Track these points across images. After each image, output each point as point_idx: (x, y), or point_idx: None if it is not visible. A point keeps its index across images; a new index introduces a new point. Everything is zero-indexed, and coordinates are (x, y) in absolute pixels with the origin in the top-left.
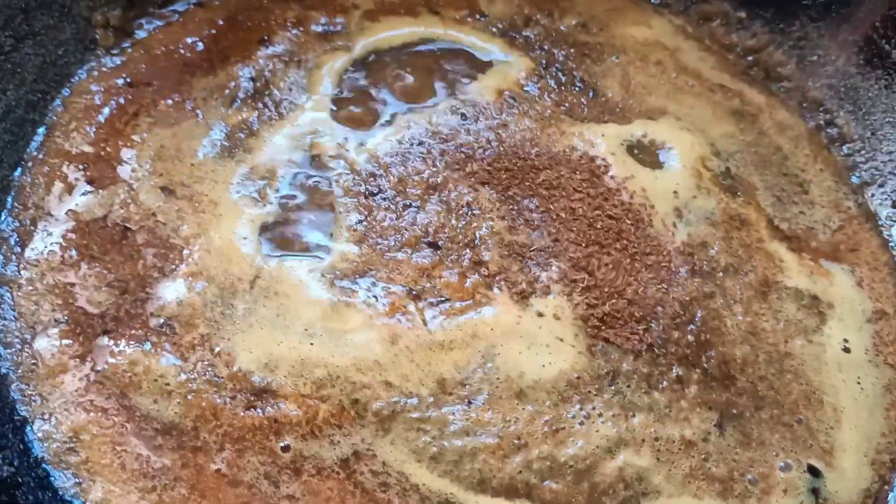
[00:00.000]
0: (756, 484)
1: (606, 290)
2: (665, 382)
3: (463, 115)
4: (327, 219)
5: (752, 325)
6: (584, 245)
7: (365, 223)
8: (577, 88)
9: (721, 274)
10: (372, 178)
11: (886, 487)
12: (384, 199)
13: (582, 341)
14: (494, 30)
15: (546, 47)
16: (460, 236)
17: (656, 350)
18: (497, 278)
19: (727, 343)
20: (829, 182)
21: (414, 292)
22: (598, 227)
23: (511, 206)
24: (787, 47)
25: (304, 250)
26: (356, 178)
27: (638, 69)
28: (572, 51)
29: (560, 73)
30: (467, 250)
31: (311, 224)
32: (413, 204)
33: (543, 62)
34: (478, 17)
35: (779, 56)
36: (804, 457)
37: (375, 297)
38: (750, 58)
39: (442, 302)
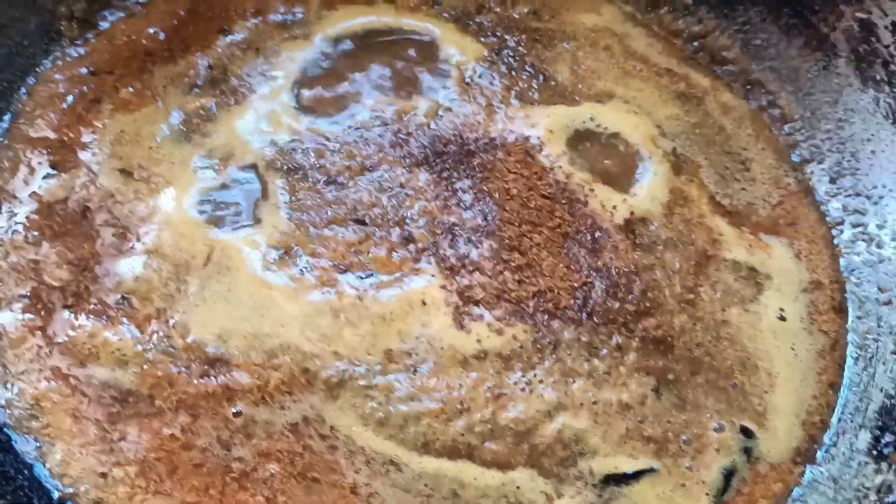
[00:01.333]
0: (690, 444)
1: (538, 268)
2: (605, 350)
3: (406, 101)
4: (272, 198)
5: (690, 296)
6: (516, 224)
7: (297, 201)
8: (527, 73)
9: (661, 247)
10: (313, 158)
11: (816, 446)
12: (317, 178)
13: (516, 315)
14: (447, 16)
15: (498, 33)
16: (391, 214)
17: (596, 319)
18: (426, 253)
19: (665, 312)
20: (771, 160)
21: (342, 267)
22: (532, 206)
23: (445, 188)
24: (732, 32)
25: (249, 228)
26: (297, 157)
27: (587, 54)
28: (524, 37)
29: (511, 59)
30: (396, 228)
31: (256, 204)
32: (345, 183)
33: (496, 48)
34: (432, 4)
35: (724, 41)
36: (738, 419)
37: (305, 271)
38: (696, 43)
39: (370, 276)
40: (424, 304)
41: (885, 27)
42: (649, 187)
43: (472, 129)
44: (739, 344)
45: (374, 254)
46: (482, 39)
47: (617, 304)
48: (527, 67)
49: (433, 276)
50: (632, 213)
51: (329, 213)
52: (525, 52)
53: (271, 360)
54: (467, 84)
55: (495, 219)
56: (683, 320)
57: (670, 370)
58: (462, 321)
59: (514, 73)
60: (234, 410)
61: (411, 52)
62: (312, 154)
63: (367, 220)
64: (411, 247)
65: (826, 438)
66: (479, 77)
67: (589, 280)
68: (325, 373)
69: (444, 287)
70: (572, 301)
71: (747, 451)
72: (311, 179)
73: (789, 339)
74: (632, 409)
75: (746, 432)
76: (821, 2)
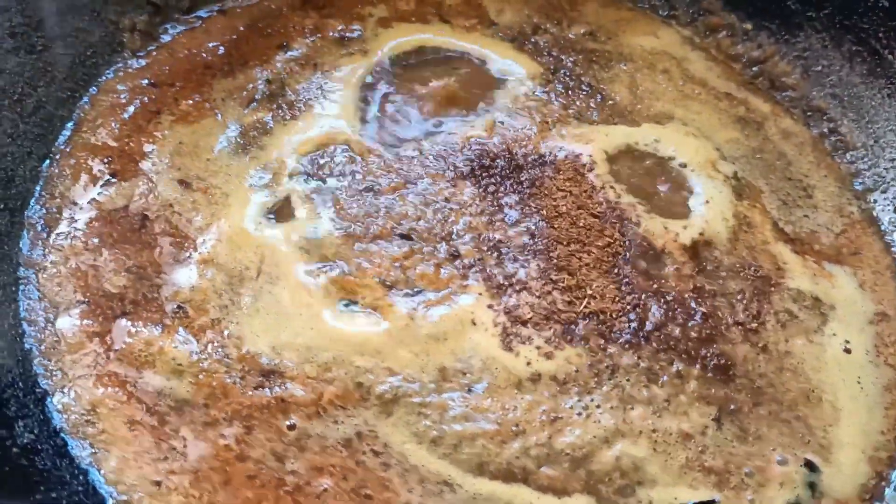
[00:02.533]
0: (752, 476)
1: (587, 289)
2: (665, 377)
3: (459, 116)
4: (319, 212)
5: (754, 324)
6: (564, 243)
7: (342, 215)
8: (584, 92)
9: (724, 273)
10: (361, 173)
11: (883, 483)
12: (364, 192)
13: (565, 337)
14: (502, 36)
15: (554, 53)
16: (437, 229)
17: (655, 345)
18: (473, 270)
19: (728, 340)
20: (833, 188)
21: (387, 283)
22: (580, 225)
23: (490, 203)
24: (792, 58)
25: (299, 242)
26: (346, 172)
27: (645, 76)
28: (580, 57)
29: (568, 78)
30: (443, 243)
31: (305, 217)
32: (390, 195)
33: (552, 67)
34: (488, 25)
35: (784, 66)
36: (801, 452)
37: (351, 287)
38: (755, 68)
39: (418, 293)
40: (474, 323)
41: None
42: (713, 211)
43: (522, 145)
44: (803, 375)
45: (421, 270)
46: (538, 59)
47: (677, 330)
48: (583, 87)
49: (480, 294)
50: (701, 235)
51: (374, 227)
52: (581, 72)
53: (325, 374)
54: (522, 101)
55: (543, 237)
56: (746, 349)
57: (732, 400)
58: (510, 343)
59: (570, 92)
60: (288, 423)
61: (466, 68)
62: (361, 169)
63: (413, 236)
64: (458, 263)
65: (894, 476)
66: (535, 94)
67: (642, 302)
68: (378, 388)
69: (490, 307)
70: (626, 324)
71: (812, 486)
72: (358, 194)
73: (855, 371)
74: (692, 438)
75: (810, 466)
76: (885, 29)
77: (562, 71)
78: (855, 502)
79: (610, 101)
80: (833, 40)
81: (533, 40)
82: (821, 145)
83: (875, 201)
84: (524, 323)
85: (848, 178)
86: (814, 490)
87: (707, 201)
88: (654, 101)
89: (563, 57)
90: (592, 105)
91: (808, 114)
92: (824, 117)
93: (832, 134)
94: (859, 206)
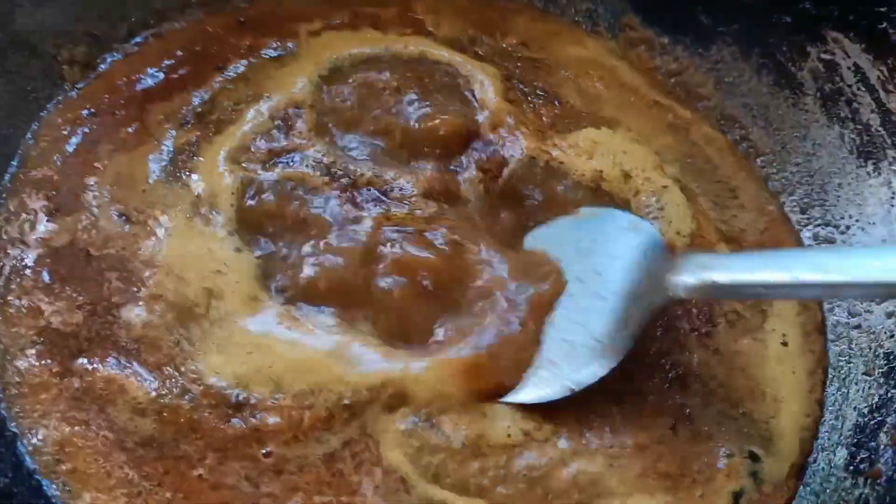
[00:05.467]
0: (702, 473)
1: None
2: (626, 395)
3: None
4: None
5: (707, 328)
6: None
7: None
8: (540, 99)
9: None
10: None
11: (808, 459)
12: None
13: None
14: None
15: (496, 61)
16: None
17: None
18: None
19: (685, 349)
20: (753, 189)
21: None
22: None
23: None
24: (706, 69)
25: (231, 272)
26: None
27: (587, 83)
28: (520, 64)
29: (521, 84)
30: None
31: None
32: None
33: (504, 73)
34: (425, 35)
35: (698, 77)
36: (746, 445)
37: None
38: (673, 79)
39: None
40: None
41: (848, 68)
42: (677, 216)
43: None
44: (749, 372)
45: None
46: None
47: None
48: (538, 91)
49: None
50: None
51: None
52: (532, 77)
53: (301, 401)
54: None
55: None
56: (701, 355)
57: (687, 406)
58: None
59: (528, 98)
60: (263, 451)
61: (420, 72)
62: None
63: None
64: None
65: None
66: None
67: None
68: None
69: None
70: None
71: (754, 475)
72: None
73: (790, 363)
74: (648, 448)
75: (753, 457)
76: (787, 43)
77: (513, 78)
78: (790, 481)
79: (568, 105)
80: (743, 53)
81: (473, 50)
82: (737, 150)
83: (784, 203)
84: None
85: (762, 180)
86: (755, 478)
87: (668, 209)
88: (601, 105)
89: (507, 64)
90: (556, 112)
91: (722, 122)
92: (736, 125)
93: (744, 140)
94: (777, 205)
